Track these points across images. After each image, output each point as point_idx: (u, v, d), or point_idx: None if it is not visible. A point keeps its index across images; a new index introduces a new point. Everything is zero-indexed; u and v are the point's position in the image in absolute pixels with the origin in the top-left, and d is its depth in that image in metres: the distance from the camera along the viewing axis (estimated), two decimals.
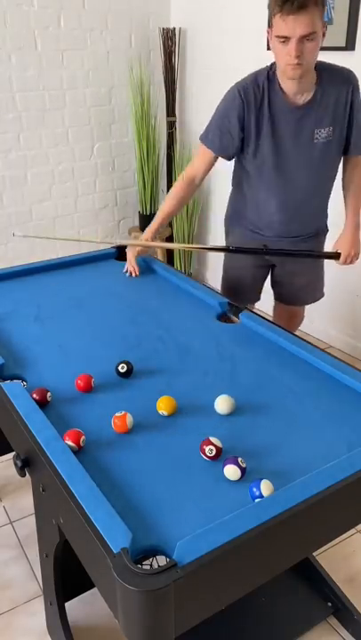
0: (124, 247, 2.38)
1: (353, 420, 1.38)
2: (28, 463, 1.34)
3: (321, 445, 1.29)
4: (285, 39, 1.76)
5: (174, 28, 3.66)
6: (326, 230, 2.32)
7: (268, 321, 1.80)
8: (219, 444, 1.24)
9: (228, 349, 1.70)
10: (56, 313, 1.92)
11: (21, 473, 1.36)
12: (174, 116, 3.86)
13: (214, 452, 1.23)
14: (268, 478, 1.14)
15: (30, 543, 2.00)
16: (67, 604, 1.60)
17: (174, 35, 3.66)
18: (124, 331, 1.81)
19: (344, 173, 2.21)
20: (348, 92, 1.98)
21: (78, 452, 1.25)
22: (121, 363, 1.54)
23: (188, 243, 3.84)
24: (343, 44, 2.69)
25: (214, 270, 4.03)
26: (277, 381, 1.54)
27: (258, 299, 2.44)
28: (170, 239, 3.95)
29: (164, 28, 3.65)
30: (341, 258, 2.20)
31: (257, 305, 2.73)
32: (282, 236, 2.19)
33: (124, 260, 2.33)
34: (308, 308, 3.11)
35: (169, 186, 3.92)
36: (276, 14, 1.74)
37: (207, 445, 1.23)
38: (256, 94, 1.95)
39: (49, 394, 1.43)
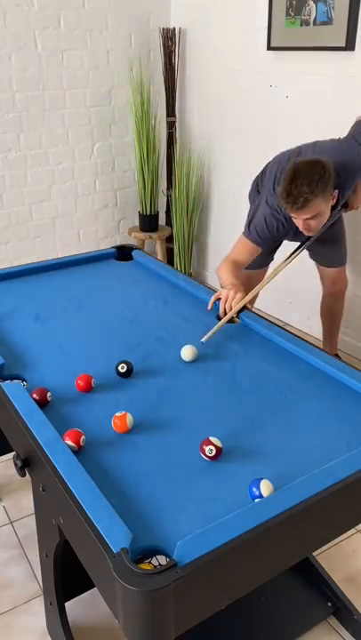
0: (125, 247, 2.39)
1: (353, 419, 1.38)
2: (28, 463, 1.34)
3: (321, 445, 1.29)
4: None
5: (174, 28, 3.66)
6: None
7: (268, 321, 1.81)
8: (219, 443, 1.24)
9: (228, 349, 1.70)
10: (56, 313, 1.92)
11: (21, 473, 1.36)
12: (174, 116, 3.86)
13: (214, 452, 1.23)
14: (268, 478, 1.14)
15: (30, 543, 2.00)
16: (67, 604, 1.59)
17: (174, 35, 3.66)
18: (124, 331, 1.81)
19: None
20: None
21: (78, 451, 1.25)
22: (121, 363, 1.54)
23: (188, 241, 3.84)
24: (343, 45, 2.69)
25: (214, 270, 4.03)
26: (277, 381, 1.54)
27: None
28: (170, 239, 3.96)
29: (164, 28, 3.65)
30: None
31: (257, 305, 2.73)
32: None
33: (125, 260, 2.34)
34: (307, 307, 3.11)
35: (169, 186, 3.92)
36: (285, 205, 1.95)
37: (207, 445, 1.23)
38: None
39: (49, 394, 1.43)
